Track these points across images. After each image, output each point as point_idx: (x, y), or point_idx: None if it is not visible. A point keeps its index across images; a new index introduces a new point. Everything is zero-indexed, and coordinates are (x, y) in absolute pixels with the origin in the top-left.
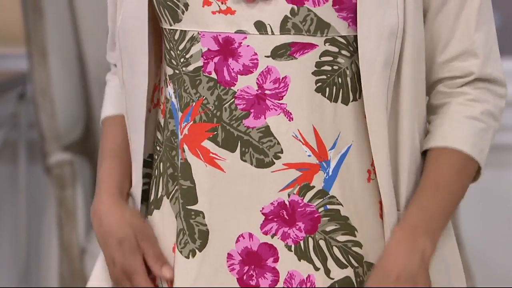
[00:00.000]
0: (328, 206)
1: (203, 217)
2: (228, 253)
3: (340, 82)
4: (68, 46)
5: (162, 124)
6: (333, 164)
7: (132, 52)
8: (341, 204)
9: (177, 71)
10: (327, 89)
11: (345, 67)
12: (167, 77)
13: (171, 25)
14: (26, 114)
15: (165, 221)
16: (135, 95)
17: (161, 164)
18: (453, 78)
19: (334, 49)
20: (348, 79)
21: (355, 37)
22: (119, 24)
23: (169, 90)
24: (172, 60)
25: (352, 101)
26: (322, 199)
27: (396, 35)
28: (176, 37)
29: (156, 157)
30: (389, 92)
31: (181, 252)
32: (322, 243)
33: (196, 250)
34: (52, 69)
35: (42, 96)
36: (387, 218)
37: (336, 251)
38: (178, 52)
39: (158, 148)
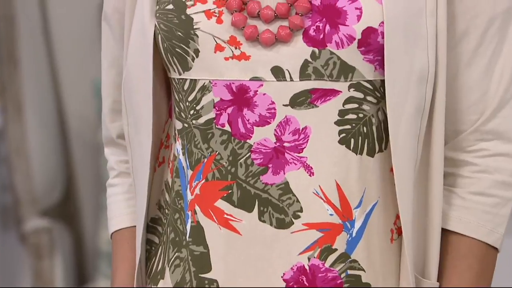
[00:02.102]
0: (349, 272)
1: (217, 286)
2: None
3: (365, 131)
4: (46, 99)
5: (170, 184)
6: (357, 225)
7: (136, 106)
8: (363, 270)
9: (186, 125)
10: (352, 140)
11: (370, 114)
12: (176, 132)
13: (180, 74)
14: None
15: None
16: (139, 153)
17: (169, 228)
18: (457, 132)
19: (359, 95)
20: (374, 128)
21: (382, 81)
22: (124, 77)
23: (177, 146)
24: (181, 113)
25: (378, 153)
26: (344, 264)
27: (427, 80)
28: (185, 87)
29: (164, 220)
30: (419, 143)
31: None
32: None
33: None
34: (28, 125)
35: (17, 155)
36: (404, 281)
37: None
38: (187, 103)
39: (166, 211)
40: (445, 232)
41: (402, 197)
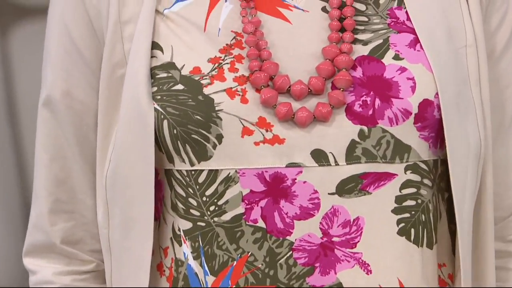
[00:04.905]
0: None
1: None
2: None
3: (424, 220)
4: (12, 196)
5: None
6: None
7: (128, 205)
8: None
9: (202, 224)
10: (412, 230)
11: (427, 200)
12: (181, 233)
13: (193, 165)
14: None
15: None
16: (130, 261)
17: None
18: (496, 218)
19: (417, 177)
20: (431, 215)
21: (435, 161)
22: (107, 170)
23: (184, 249)
24: (192, 210)
25: (435, 244)
26: None
27: (479, 156)
28: (201, 180)
29: None
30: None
31: None
32: None
33: None
34: None
35: None
36: None
37: None
38: (204, 198)
39: None
40: None
41: None
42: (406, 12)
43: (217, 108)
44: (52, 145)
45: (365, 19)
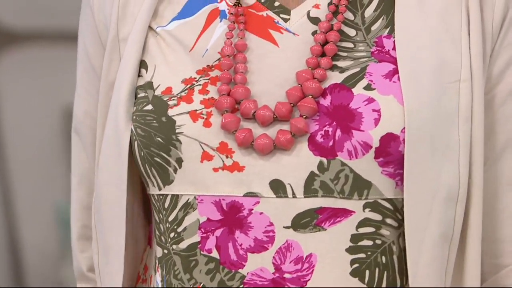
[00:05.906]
0: None
1: None
2: None
3: (385, 262)
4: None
5: None
6: None
7: (107, 230)
8: None
9: (166, 251)
10: (367, 272)
11: (390, 241)
12: (156, 261)
13: (160, 189)
14: None
15: None
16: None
17: None
18: (498, 266)
19: (377, 216)
20: (395, 257)
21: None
22: (94, 195)
23: (157, 278)
24: (162, 237)
25: None
26: None
27: (457, 200)
28: (166, 205)
29: None
30: (447, 276)
31: None
32: None
33: None
34: None
35: None
36: None
37: None
38: (167, 225)
39: None
40: None
41: None
42: (394, 41)
43: (177, 131)
44: (78, 169)
45: (351, 45)
